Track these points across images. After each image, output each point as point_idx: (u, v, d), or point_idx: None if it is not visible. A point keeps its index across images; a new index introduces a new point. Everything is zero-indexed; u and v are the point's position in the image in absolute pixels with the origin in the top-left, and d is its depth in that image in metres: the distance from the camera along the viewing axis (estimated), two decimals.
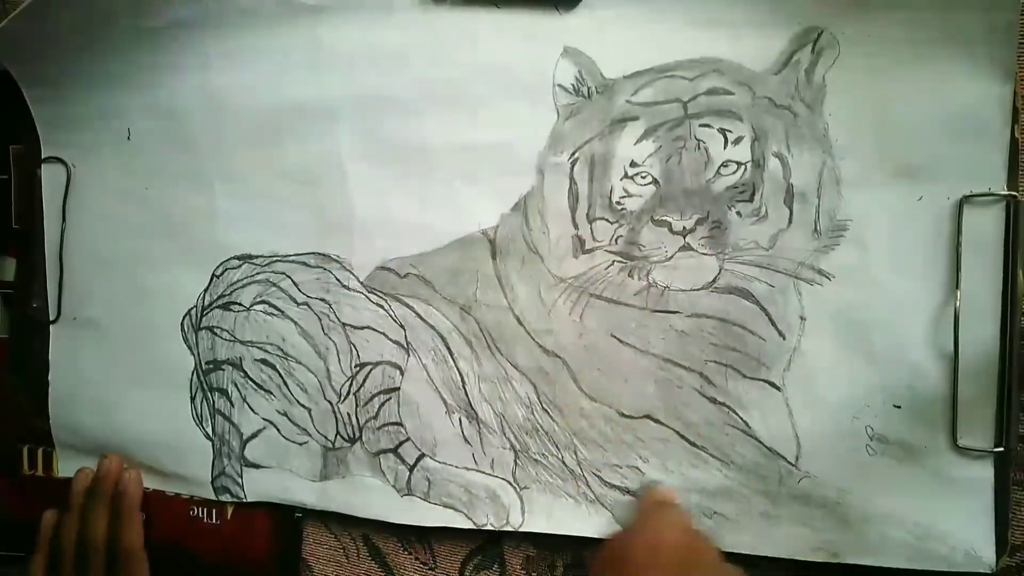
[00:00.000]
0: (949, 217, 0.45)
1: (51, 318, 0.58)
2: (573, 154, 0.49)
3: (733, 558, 0.47)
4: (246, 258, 0.55)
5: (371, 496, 0.53)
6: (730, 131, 0.47)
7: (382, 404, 0.53)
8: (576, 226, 0.49)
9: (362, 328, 0.53)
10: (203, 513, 0.57)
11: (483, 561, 0.53)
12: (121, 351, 0.57)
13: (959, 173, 0.45)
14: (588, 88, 0.49)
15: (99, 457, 0.57)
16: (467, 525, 0.52)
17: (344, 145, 0.52)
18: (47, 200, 0.58)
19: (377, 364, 0.53)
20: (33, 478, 0.60)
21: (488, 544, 0.53)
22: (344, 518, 0.54)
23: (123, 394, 0.58)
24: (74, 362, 0.58)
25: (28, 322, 0.59)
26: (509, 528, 0.51)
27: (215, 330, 0.56)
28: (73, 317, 0.58)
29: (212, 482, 0.56)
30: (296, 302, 0.54)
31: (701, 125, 0.47)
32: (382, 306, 0.53)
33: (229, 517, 0.57)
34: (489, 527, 0.51)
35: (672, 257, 0.48)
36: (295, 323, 0.54)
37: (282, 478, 0.55)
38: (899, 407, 0.46)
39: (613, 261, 0.49)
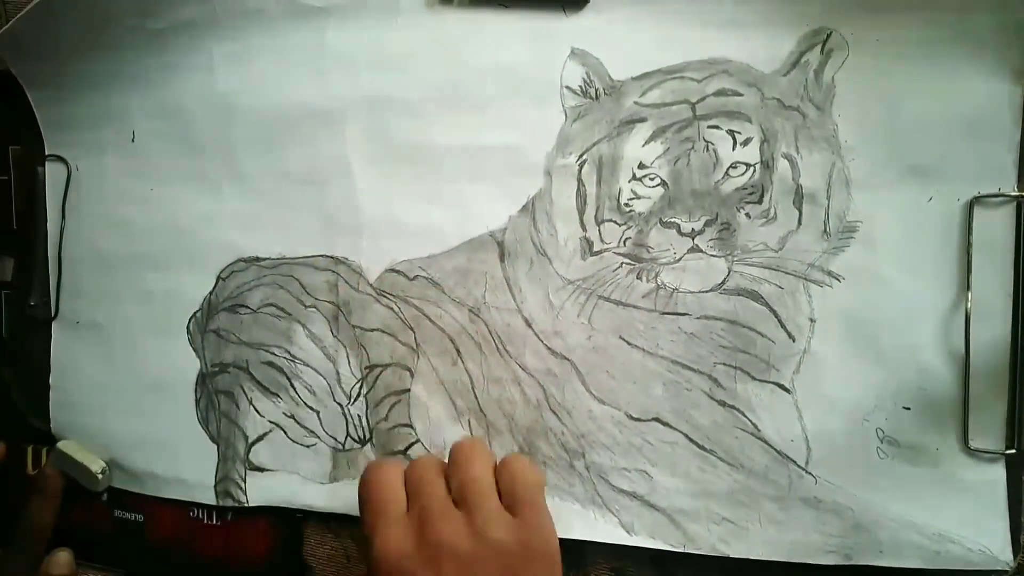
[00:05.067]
0: (959, 218, 0.45)
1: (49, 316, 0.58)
2: (581, 156, 0.49)
3: (742, 565, 0.47)
4: (253, 260, 0.55)
5: None
6: (739, 132, 0.47)
7: (392, 406, 0.53)
8: (584, 228, 0.49)
9: (372, 330, 0.53)
10: (203, 514, 0.57)
11: None
12: (124, 353, 0.57)
13: (969, 174, 0.45)
14: (596, 89, 0.49)
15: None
16: None
17: (351, 147, 0.52)
18: (48, 199, 0.57)
19: (387, 366, 0.53)
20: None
21: None
22: (345, 519, 0.54)
23: (125, 397, 0.57)
24: (76, 364, 0.58)
25: (28, 323, 0.59)
26: None
27: (221, 333, 0.55)
28: (76, 320, 0.58)
29: (215, 486, 0.56)
30: (304, 304, 0.54)
31: (710, 126, 0.47)
32: (392, 308, 0.53)
33: (230, 518, 0.56)
34: None
35: (681, 259, 0.48)
36: (303, 325, 0.54)
37: (288, 481, 0.54)
38: (909, 409, 0.46)
39: (621, 263, 0.49)
